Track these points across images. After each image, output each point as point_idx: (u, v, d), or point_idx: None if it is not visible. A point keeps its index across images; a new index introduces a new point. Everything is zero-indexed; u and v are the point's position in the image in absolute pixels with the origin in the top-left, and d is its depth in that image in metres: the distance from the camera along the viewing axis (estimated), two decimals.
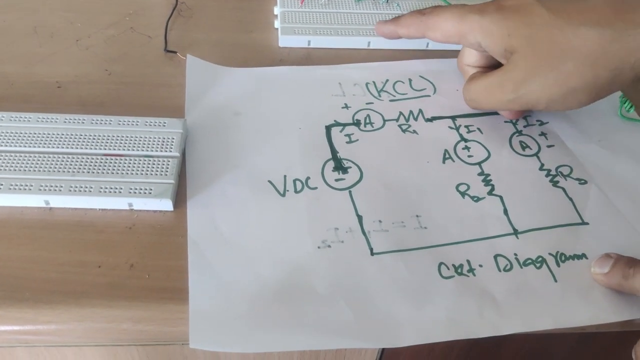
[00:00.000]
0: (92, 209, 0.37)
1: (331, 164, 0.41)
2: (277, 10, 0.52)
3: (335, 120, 0.44)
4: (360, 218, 0.38)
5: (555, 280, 0.36)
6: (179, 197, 0.38)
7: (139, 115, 0.42)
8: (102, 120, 0.40)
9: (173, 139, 0.40)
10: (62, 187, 0.37)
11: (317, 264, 0.35)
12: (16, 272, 0.34)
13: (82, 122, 0.40)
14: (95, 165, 0.38)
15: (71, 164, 0.38)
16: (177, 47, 0.48)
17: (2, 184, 0.36)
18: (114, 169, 0.38)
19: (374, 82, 0.48)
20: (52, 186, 0.37)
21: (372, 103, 0.46)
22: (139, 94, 0.45)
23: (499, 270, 0.36)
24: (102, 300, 0.33)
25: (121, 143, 0.39)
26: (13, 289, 0.34)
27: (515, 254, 0.37)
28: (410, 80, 0.48)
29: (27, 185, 0.36)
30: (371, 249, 0.36)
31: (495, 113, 0.46)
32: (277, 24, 0.51)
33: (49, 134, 0.39)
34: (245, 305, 0.33)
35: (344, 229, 0.37)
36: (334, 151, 0.42)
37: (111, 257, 0.35)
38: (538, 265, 0.37)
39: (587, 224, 0.39)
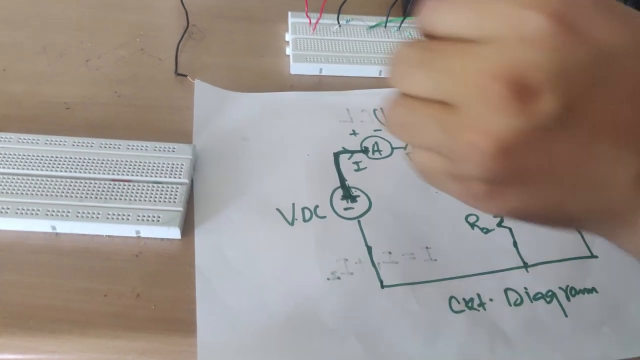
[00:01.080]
0: (99, 235, 0.37)
1: (340, 192, 0.41)
2: (288, 37, 0.52)
3: (343, 147, 0.44)
4: (369, 249, 0.38)
5: (566, 315, 0.36)
6: (187, 224, 0.38)
7: (147, 138, 0.41)
8: (110, 145, 0.40)
9: (182, 165, 0.39)
10: (69, 212, 0.36)
11: (326, 296, 0.35)
12: (20, 298, 0.34)
13: (91, 146, 0.40)
14: (103, 191, 0.37)
15: (79, 189, 0.37)
16: (187, 70, 0.48)
17: (8, 208, 0.36)
18: (121, 195, 0.37)
19: (381, 109, 0.47)
20: (59, 211, 0.36)
21: (380, 130, 0.46)
22: (148, 117, 0.44)
23: (510, 305, 0.36)
24: (106, 331, 0.33)
25: (130, 168, 0.39)
26: (17, 316, 0.33)
27: (526, 288, 0.37)
28: None
29: (34, 210, 0.36)
30: (381, 282, 0.36)
31: None
32: (288, 50, 0.51)
33: (56, 157, 0.39)
34: (254, 338, 0.33)
35: (354, 260, 0.37)
36: (342, 179, 0.42)
37: (117, 285, 0.35)
38: (548, 299, 0.37)
39: (597, 257, 0.39)
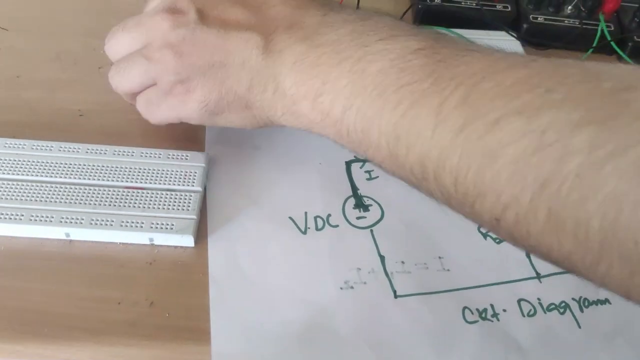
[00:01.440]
0: (113, 243, 0.37)
1: (352, 201, 0.41)
2: None
3: (355, 156, 0.44)
4: (382, 258, 0.38)
5: (579, 327, 0.36)
6: (200, 232, 0.38)
7: (160, 146, 0.41)
8: (124, 152, 0.40)
9: (195, 172, 0.40)
10: (83, 219, 0.36)
11: (339, 305, 0.35)
12: (34, 306, 0.34)
13: (104, 153, 0.40)
14: (117, 198, 0.37)
15: (93, 196, 0.37)
16: None
17: (22, 215, 0.36)
18: (135, 203, 0.37)
19: None
20: (73, 218, 0.36)
21: None
22: (160, 125, 0.44)
23: (523, 316, 0.36)
24: (121, 338, 0.33)
25: (143, 176, 0.39)
26: (31, 323, 0.33)
27: (539, 299, 0.37)
28: None
29: (48, 217, 0.36)
30: (394, 292, 0.36)
31: None
32: None
33: (70, 164, 0.39)
34: (268, 348, 0.33)
35: (367, 269, 0.37)
36: (354, 188, 0.42)
37: (131, 293, 0.35)
38: (561, 310, 0.36)
39: None
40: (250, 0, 0.35)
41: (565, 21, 0.56)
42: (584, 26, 0.55)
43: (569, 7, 0.57)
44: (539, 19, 0.56)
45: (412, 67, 0.28)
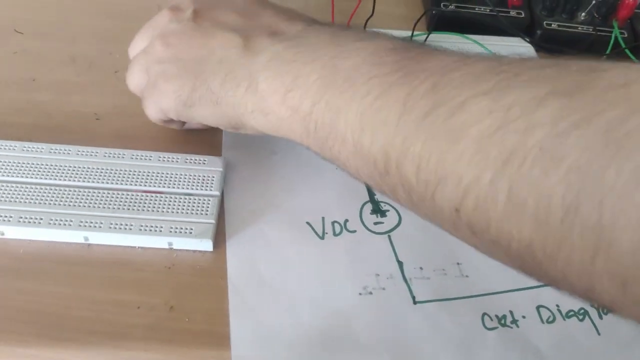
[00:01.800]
0: (131, 247, 0.37)
1: (369, 206, 0.41)
2: None
3: None
4: (401, 264, 0.37)
5: (599, 334, 0.36)
6: (218, 237, 0.38)
7: (177, 150, 0.41)
8: (142, 156, 0.40)
9: (213, 177, 0.39)
10: (102, 223, 0.36)
11: (358, 311, 0.35)
12: (53, 309, 0.34)
13: (122, 157, 0.40)
14: (135, 202, 0.37)
15: (111, 200, 0.37)
16: None
17: (42, 218, 0.36)
18: (154, 207, 0.37)
19: None
20: (92, 222, 0.36)
21: None
22: (178, 129, 0.44)
23: (542, 322, 0.36)
24: (140, 343, 0.33)
25: (161, 180, 0.39)
26: (49, 327, 0.33)
27: (558, 305, 0.37)
28: None
29: (67, 221, 0.36)
30: (413, 297, 0.36)
31: None
32: None
33: (88, 167, 0.39)
34: (287, 352, 0.33)
35: (385, 275, 0.37)
36: (371, 193, 0.42)
37: (150, 297, 0.35)
38: (581, 317, 0.36)
39: None
40: (247, 10, 0.37)
41: (579, 28, 0.56)
42: (598, 33, 0.55)
43: (583, 14, 0.57)
44: (552, 25, 0.56)
45: (384, 63, 0.28)
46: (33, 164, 0.39)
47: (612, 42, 0.55)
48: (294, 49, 0.32)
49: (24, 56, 0.49)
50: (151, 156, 0.40)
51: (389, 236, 0.39)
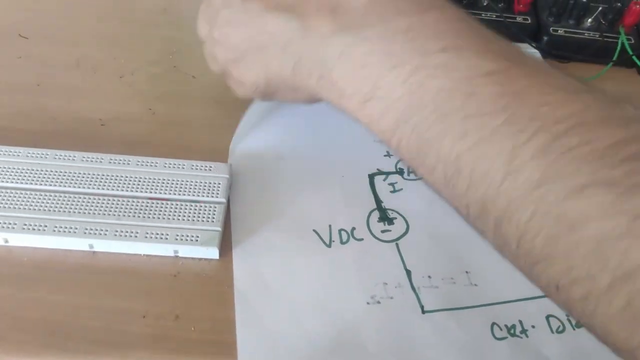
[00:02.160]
0: (137, 255, 0.36)
1: (376, 214, 0.41)
2: None
3: (378, 169, 0.44)
4: (409, 273, 0.37)
5: None
6: (224, 244, 0.37)
7: (182, 156, 0.41)
8: (147, 162, 0.40)
9: (219, 184, 0.39)
10: (107, 231, 0.36)
11: (367, 320, 0.34)
12: (58, 317, 0.34)
13: (128, 164, 0.40)
14: (141, 209, 0.37)
15: (116, 207, 0.37)
16: (220, 88, 0.47)
17: (46, 225, 0.36)
18: (159, 214, 0.37)
19: None
20: (97, 230, 0.36)
21: None
22: (183, 135, 0.44)
23: (552, 332, 0.35)
24: (146, 352, 0.32)
25: (167, 187, 0.39)
26: (54, 336, 0.33)
27: (567, 315, 0.36)
28: None
29: (72, 228, 0.36)
30: (422, 307, 0.35)
31: None
32: None
33: (94, 174, 0.39)
34: None
35: (393, 284, 0.36)
36: (378, 201, 0.41)
37: (156, 306, 0.34)
38: None
39: None
40: None
41: (586, 34, 0.56)
42: (605, 39, 0.55)
43: (589, 20, 0.56)
44: (559, 31, 0.56)
45: (481, 95, 0.25)
46: (37, 170, 0.39)
47: (618, 48, 0.54)
48: (365, 45, 0.28)
49: (29, 61, 0.49)
50: (157, 163, 0.40)
51: (397, 244, 0.39)
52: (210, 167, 0.40)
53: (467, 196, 0.26)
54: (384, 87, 0.28)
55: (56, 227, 0.36)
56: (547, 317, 0.36)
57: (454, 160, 0.25)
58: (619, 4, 0.55)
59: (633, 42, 0.55)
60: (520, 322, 0.35)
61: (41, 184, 0.38)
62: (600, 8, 0.56)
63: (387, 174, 0.43)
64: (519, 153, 0.23)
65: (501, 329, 0.35)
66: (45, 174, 0.38)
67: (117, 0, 0.57)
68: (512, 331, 0.35)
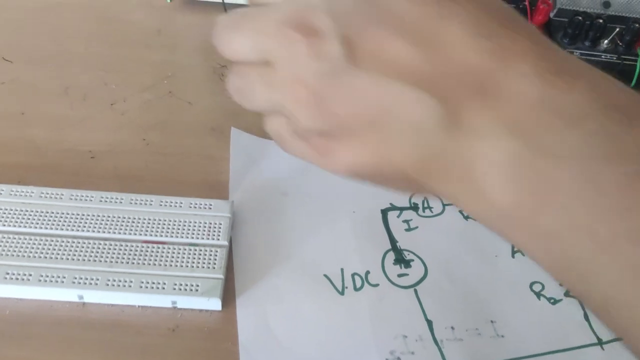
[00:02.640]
0: (131, 306, 0.33)
1: (391, 255, 0.37)
2: None
3: (391, 204, 0.40)
4: (430, 323, 0.34)
5: None
6: (227, 293, 0.34)
7: (179, 191, 0.38)
8: (141, 201, 0.37)
9: (220, 224, 0.36)
10: (98, 280, 0.33)
11: None
12: None
13: (120, 202, 0.37)
14: (135, 255, 0.34)
15: (108, 253, 0.34)
16: (220, 116, 0.45)
17: (31, 274, 0.33)
18: (155, 260, 0.34)
19: None
20: (87, 279, 0.33)
21: None
22: (180, 168, 0.41)
23: None
24: None
25: (163, 228, 0.35)
26: None
27: None
28: None
29: (59, 277, 0.33)
30: None
31: None
32: None
33: (83, 214, 0.36)
34: None
35: (414, 337, 0.33)
36: (393, 240, 0.38)
37: None
38: None
39: None
40: (421, 27, 0.22)
41: (602, 56, 0.53)
42: (623, 62, 0.53)
43: (606, 42, 0.54)
44: (575, 53, 0.53)
45: None
46: (21, 210, 0.35)
47: (637, 71, 0.52)
48: (547, 165, 0.21)
49: (13, 87, 0.46)
50: (152, 200, 0.37)
51: (415, 290, 0.36)
52: (210, 205, 0.37)
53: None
54: (555, 202, 0.21)
55: (42, 275, 0.33)
56: None
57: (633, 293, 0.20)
58: (636, 25, 0.53)
59: None
60: None
61: (25, 227, 0.35)
62: (617, 29, 0.53)
63: (401, 209, 0.40)
64: None
65: None
66: (30, 215, 0.35)
67: (108, 22, 0.53)
68: None
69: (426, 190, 0.24)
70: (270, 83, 0.24)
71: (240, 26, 0.25)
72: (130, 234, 0.35)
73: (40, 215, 0.35)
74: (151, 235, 0.35)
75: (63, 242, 0.34)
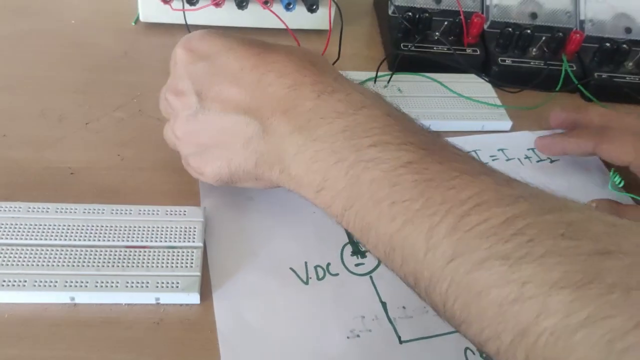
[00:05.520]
0: (118, 304, 0.37)
1: (349, 248, 0.42)
2: None
3: None
4: (384, 305, 0.39)
5: None
6: (204, 289, 0.38)
7: (155, 201, 0.42)
8: (122, 210, 0.41)
9: (195, 228, 0.40)
10: (87, 282, 0.36)
11: (348, 355, 0.36)
12: None
13: (102, 212, 0.40)
14: (120, 258, 0.38)
15: (95, 258, 0.37)
16: None
17: (26, 281, 0.36)
18: (138, 262, 0.38)
19: None
20: (78, 282, 0.36)
21: None
22: (154, 180, 0.45)
23: None
24: None
25: (144, 234, 0.39)
26: None
27: None
28: None
29: (52, 282, 0.36)
30: (399, 337, 0.37)
31: None
32: None
33: (69, 225, 0.39)
34: None
35: (370, 316, 0.38)
36: (349, 235, 0.43)
37: (141, 356, 0.35)
38: None
39: None
40: (245, 80, 0.36)
41: (531, 63, 0.59)
42: (549, 67, 0.59)
43: (534, 49, 0.60)
44: (506, 61, 0.59)
45: (403, 183, 0.29)
46: (12, 224, 0.39)
47: (562, 76, 0.58)
48: (315, 145, 0.33)
49: None
50: (131, 210, 0.41)
51: (371, 277, 0.40)
52: (184, 211, 0.41)
53: (403, 269, 0.30)
54: (331, 179, 0.32)
55: (36, 281, 0.36)
56: None
57: (389, 240, 0.30)
58: (560, 34, 0.59)
59: (575, 68, 0.59)
60: None
61: (17, 238, 0.38)
62: (543, 38, 0.59)
63: None
64: (434, 232, 0.27)
65: (474, 353, 0.37)
66: (21, 228, 0.39)
67: (77, 46, 0.57)
68: (484, 355, 0.37)
69: (270, 182, 0.37)
70: (171, 125, 0.41)
71: (163, 93, 0.42)
72: (114, 240, 0.39)
73: (31, 228, 0.39)
74: (133, 240, 0.39)
75: (54, 250, 0.38)
